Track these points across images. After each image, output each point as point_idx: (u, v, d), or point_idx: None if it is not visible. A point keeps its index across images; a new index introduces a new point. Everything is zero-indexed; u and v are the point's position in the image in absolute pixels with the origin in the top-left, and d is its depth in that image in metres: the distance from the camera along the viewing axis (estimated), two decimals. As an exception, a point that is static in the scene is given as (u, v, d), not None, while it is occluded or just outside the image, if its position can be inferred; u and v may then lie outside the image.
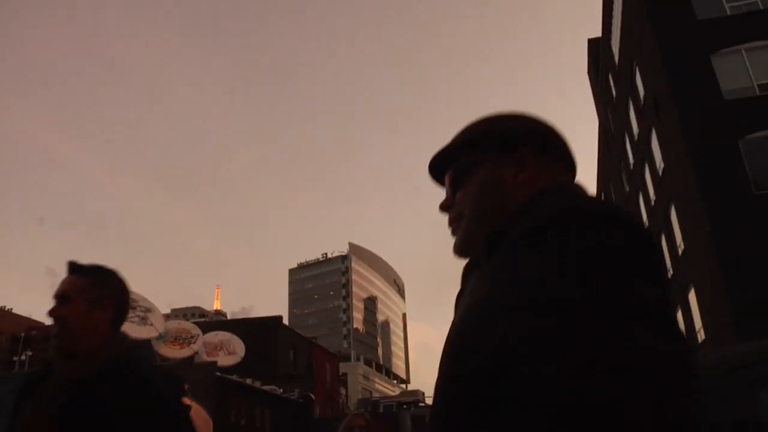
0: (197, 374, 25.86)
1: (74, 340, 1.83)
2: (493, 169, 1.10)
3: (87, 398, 1.71)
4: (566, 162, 1.13)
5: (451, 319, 1.07)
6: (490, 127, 1.15)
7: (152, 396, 1.79)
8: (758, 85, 17.97)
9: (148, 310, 29.09)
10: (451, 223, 1.16)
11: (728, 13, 19.13)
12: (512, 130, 1.12)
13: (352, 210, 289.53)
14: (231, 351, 34.58)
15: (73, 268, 1.93)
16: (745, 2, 19.14)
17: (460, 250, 1.14)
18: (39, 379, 1.84)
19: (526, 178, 1.07)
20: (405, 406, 52.33)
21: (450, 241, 1.14)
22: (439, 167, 1.21)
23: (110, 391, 1.73)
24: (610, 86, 30.35)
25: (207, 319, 61.68)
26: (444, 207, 1.18)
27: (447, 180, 1.19)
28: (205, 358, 32.69)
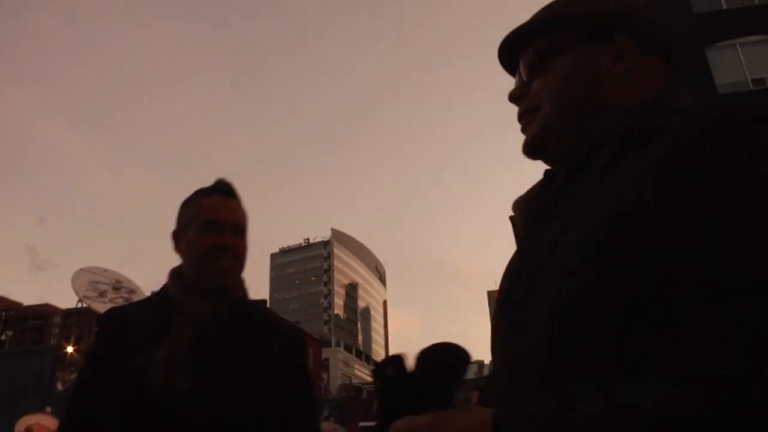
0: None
1: (236, 277, 1.64)
2: (583, 55, 0.94)
3: (227, 337, 1.54)
4: (665, 57, 0.96)
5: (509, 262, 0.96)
6: (581, 7, 0.97)
7: (289, 342, 1.68)
8: (752, 80, 18.08)
9: (133, 291, 28.93)
10: (522, 116, 1.00)
11: (724, 7, 19.18)
12: (609, 13, 0.96)
13: (336, 196, 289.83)
14: (214, 333, 34.41)
15: (233, 191, 1.67)
16: (741, -4, 19.24)
17: (531, 149, 0.99)
18: (156, 315, 1.57)
19: (623, 72, 0.92)
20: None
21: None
22: (512, 50, 1.04)
23: (248, 332, 1.59)
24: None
25: (190, 302, 61.25)
26: (514, 97, 1.02)
27: (522, 64, 1.02)
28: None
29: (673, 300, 0.66)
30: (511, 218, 1.05)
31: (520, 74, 1.03)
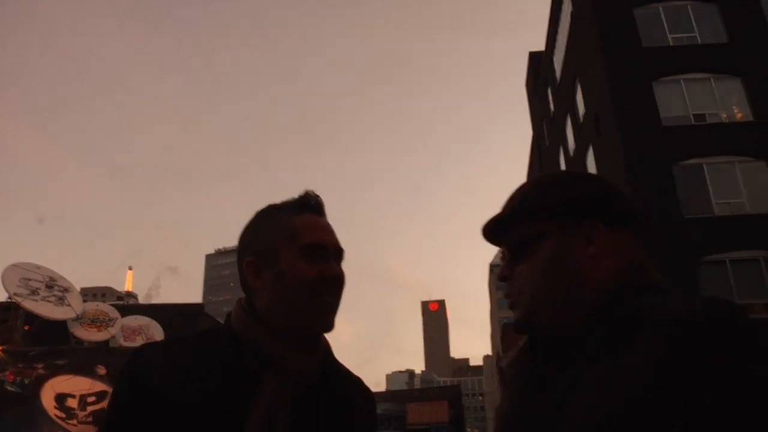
0: (117, 359, 24.93)
1: (335, 318, 1.30)
2: (560, 243, 1.05)
3: (322, 404, 1.26)
4: (633, 227, 1.09)
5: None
6: (553, 196, 1.09)
7: (368, 406, 1.43)
8: (693, 115, 18.92)
9: (66, 289, 27.71)
10: (510, 295, 1.11)
11: (670, 43, 20.02)
12: (579, 199, 1.07)
13: (275, 196, 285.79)
14: (149, 336, 33.38)
15: (324, 208, 1.36)
16: (686, 35, 20.08)
17: (521, 327, 1.10)
18: (225, 365, 1.22)
19: (597, 253, 1.03)
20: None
21: None
22: (495, 233, 1.16)
23: (338, 396, 1.30)
24: (548, 100, 31.17)
25: (124, 303, 59.66)
26: (503, 276, 1.13)
27: (505, 248, 1.13)
28: (122, 342, 31.56)
29: None
30: (500, 369, 1.18)
31: (503, 255, 1.14)
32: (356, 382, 1.42)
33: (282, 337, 1.24)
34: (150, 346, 1.26)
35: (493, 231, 1.16)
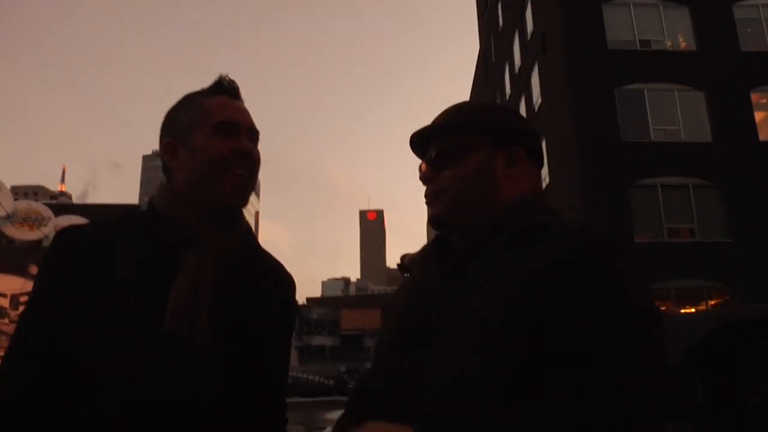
0: (49, 259, 24.45)
1: (250, 193, 1.35)
2: (487, 158, 1.21)
3: (243, 278, 1.31)
4: (539, 165, 1.29)
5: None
6: (488, 118, 1.25)
7: (288, 285, 1.46)
8: (639, 40, 19.14)
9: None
10: (429, 194, 1.25)
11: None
12: (510, 127, 1.26)
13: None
14: (83, 237, 32.84)
15: (239, 92, 1.40)
16: (638, -44, 19.97)
17: (437, 223, 1.25)
18: (148, 242, 1.25)
19: (515, 174, 1.21)
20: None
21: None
22: (425, 139, 1.29)
23: (258, 271, 1.36)
24: (497, 14, 30.82)
25: (57, 202, 57.88)
26: (426, 179, 1.26)
27: (433, 153, 1.26)
28: (55, 242, 30.83)
29: (550, 363, 0.95)
30: (402, 267, 1.32)
31: (429, 158, 1.26)
32: (278, 265, 1.47)
33: (202, 215, 1.29)
34: (74, 227, 1.26)
35: (425, 138, 1.29)
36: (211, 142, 1.29)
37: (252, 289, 1.31)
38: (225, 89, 1.37)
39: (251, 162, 1.32)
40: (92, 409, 1.11)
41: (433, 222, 1.25)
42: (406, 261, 1.31)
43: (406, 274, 1.31)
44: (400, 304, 1.28)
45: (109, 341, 1.13)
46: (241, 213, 1.39)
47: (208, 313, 1.20)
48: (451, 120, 1.27)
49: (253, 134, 1.36)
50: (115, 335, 1.13)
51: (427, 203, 1.27)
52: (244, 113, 1.36)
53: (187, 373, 1.16)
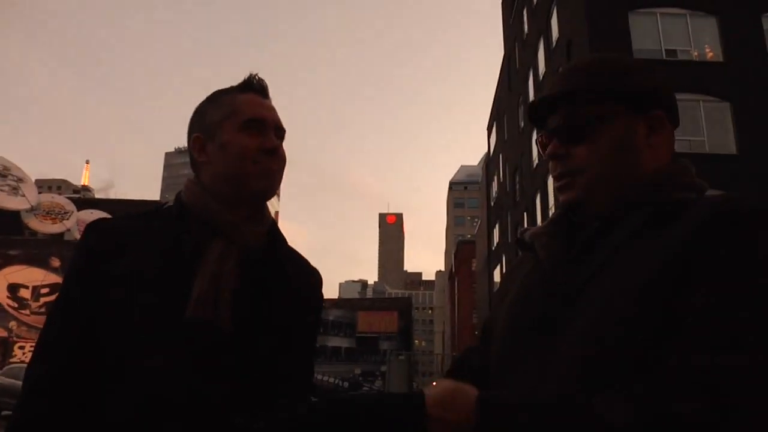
0: (71, 252, 24.81)
1: (277, 188, 1.38)
2: (626, 128, 1.06)
3: (268, 270, 1.32)
4: (677, 127, 1.13)
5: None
6: (627, 82, 1.08)
7: (314, 281, 1.48)
8: (666, 50, 18.89)
9: (21, 179, 27.24)
10: (562, 176, 1.11)
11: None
12: (651, 89, 1.08)
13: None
14: (105, 231, 33.31)
15: (268, 90, 1.42)
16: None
17: (574, 207, 1.11)
18: (177, 233, 1.27)
19: (657, 142, 1.07)
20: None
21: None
22: (546, 108, 1.14)
23: (283, 265, 1.38)
24: (523, 21, 30.69)
25: (80, 197, 58.59)
26: (557, 157, 1.11)
27: (560, 125, 1.11)
28: (77, 236, 31.42)
29: (674, 342, 0.85)
30: (521, 243, 1.21)
31: (556, 130, 1.11)
32: (303, 259, 1.49)
33: (229, 207, 1.31)
34: (104, 219, 1.32)
35: (545, 108, 1.14)
36: (239, 138, 1.31)
37: (277, 281, 1.33)
38: (254, 87, 1.39)
39: (278, 159, 1.35)
40: (117, 397, 1.14)
41: (569, 207, 1.12)
42: (527, 237, 1.19)
43: (524, 252, 1.21)
44: (519, 286, 1.17)
45: (134, 330, 1.16)
46: (267, 208, 1.41)
47: (232, 302, 1.22)
48: (582, 84, 1.09)
49: (280, 132, 1.38)
50: (140, 325, 1.17)
51: (558, 187, 1.13)
52: (272, 111, 1.38)
53: (209, 363, 1.18)
